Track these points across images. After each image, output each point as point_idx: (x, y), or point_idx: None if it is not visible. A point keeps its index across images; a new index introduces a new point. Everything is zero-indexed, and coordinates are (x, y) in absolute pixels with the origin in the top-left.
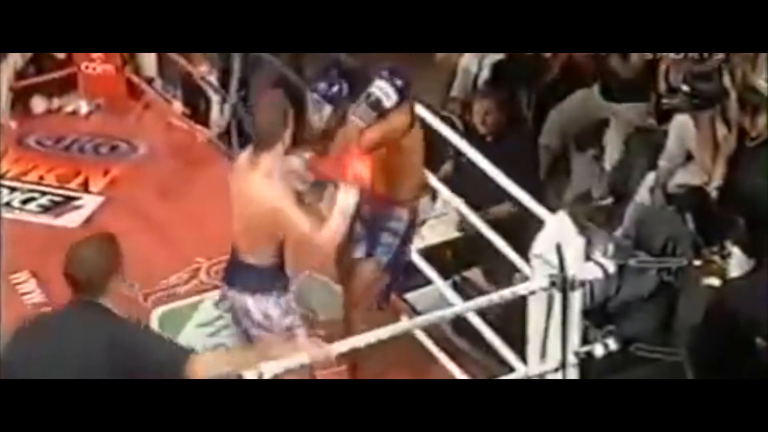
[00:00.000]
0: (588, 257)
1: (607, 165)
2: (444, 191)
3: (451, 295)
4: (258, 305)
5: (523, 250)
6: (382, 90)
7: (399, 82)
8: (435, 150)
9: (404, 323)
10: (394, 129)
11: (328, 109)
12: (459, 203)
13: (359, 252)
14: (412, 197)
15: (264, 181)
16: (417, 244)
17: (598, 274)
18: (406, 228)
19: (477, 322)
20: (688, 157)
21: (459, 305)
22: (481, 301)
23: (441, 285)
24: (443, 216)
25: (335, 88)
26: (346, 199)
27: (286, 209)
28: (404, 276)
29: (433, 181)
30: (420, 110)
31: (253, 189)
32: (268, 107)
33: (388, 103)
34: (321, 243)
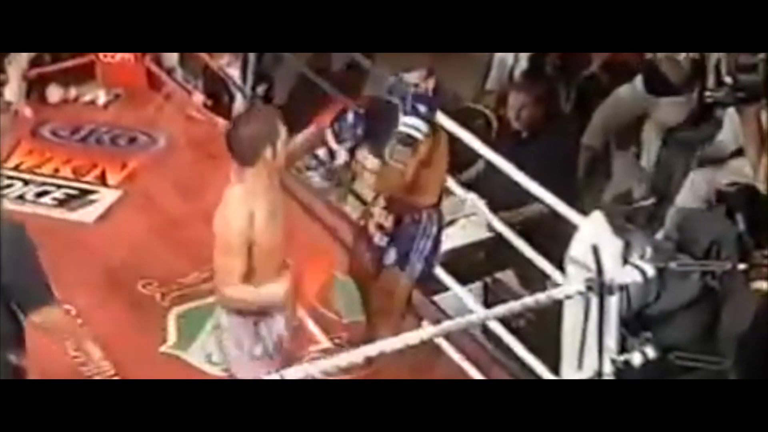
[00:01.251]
0: (626, 260)
1: (645, 163)
2: (466, 195)
3: (481, 298)
4: (232, 326)
5: (559, 252)
6: (410, 125)
7: (423, 109)
8: (465, 148)
9: (432, 328)
10: (426, 153)
11: (342, 153)
12: (482, 206)
13: (389, 259)
14: (435, 201)
15: (230, 200)
16: (446, 245)
17: (637, 278)
18: (438, 231)
19: (504, 328)
20: (737, 154)
21: (489, 309)
22: (513, 305)
23: (470, 288)
24: (474, 215)
25: (351, 129)
26: (274, 290)
27: (226, 238)
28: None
29: (454, 184)
30: (441, 118)
31: (224, 205)
32: (246, 121)
33: (420, 135)
34: (221, 292)
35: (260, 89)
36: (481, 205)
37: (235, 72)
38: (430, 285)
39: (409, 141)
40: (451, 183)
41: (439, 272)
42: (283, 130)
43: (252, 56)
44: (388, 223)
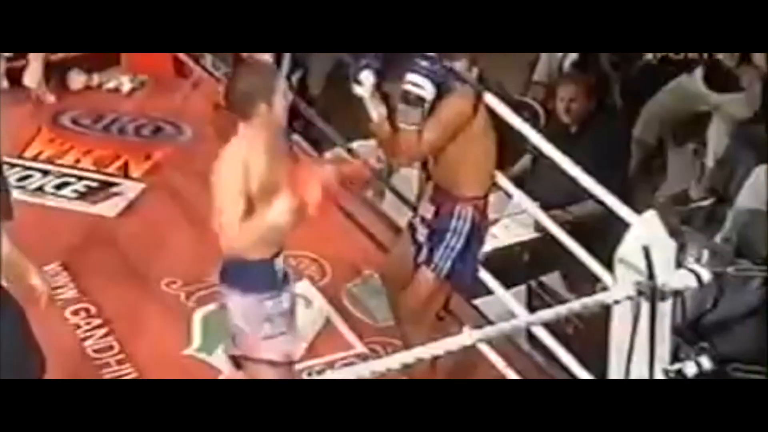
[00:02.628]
0: (680, 264)
1: (710, 161)
2: (513, 191)
3: (525, 302)
4: (237, 306)
5: (608, 254)
6: (413, 82)
7: (428, 65)
8: (511, 141)
9: (474, 333)
10: (453, 120)
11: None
12: (530, 204)
13: (421, 256)
14: (478, 193)
15: (226, 155)
16: (490, 244)
17: (692, 283)
18: (471, 228)
19: (548, 334)
20: None
21: (533, 314)
22: (559, 310)
23: (514, 291)
24: (519, 214)
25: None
26: (277, 210)
27: (222, 191)
28: (474, 283)
29: (502, 178)
30: (490, 99)
31: (220, 159)
32: (243, 74)
33: (425, 94)
34: (220, 235)
35: (295, 77)
36: (528, 202)
37: (268, 59)
38: (466, 288)
39: (414, 100)
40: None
41: (480, 274)
42: (280, 85)
43: None
44: (429, 214)
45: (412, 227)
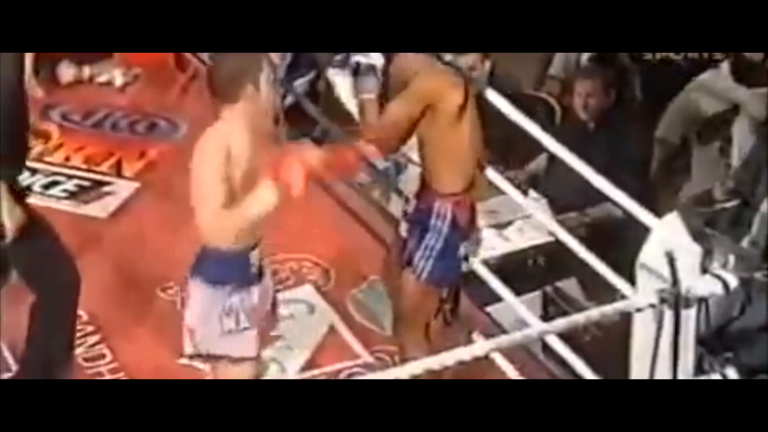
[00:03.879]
0: (705, 270)
1: (735, 160)
2: (517, 191)
3: (540, 309)
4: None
5: (629, 259)
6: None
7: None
8: (525, 139)
9: (486, 344)
10: (422, 92)
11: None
12: (543, 205)
13: (404, 256)
14: (456, 189)
15: (207, 139)
16: (502, 248)
17: (717, 289)
18: (451, 227)
19: (565, 343)
20: None
21: (549, 323)
22: (576, 318)
23: (528, 298)
24: (533, 217)
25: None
26: (261, 197)
27: (202, 178)
28: (468, 287)
29: (506, 180)
30: (496, 99)
31: (201, 142)
32: (227, 54)
33: (377, 62)
34: (199, 224)
35: (305, 80)
36: (541, 204)
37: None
38: (449, 286)
39: (364, 70)
40: (504, 179)
41: (493, 280)
42: (267, 67)
43: None
44: (410, 208)
45: (396, 222)
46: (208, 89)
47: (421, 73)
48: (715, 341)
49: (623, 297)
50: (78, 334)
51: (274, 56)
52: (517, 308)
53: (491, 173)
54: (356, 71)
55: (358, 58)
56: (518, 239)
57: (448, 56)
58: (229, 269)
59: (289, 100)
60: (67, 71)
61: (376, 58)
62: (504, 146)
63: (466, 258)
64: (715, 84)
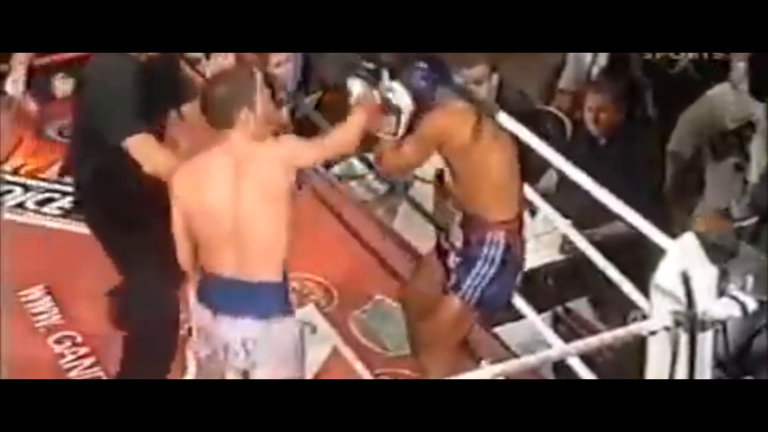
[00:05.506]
0: (722, 291)
1: (753, 177)
2: (543, 206)
3: (550, 331)
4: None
5: (642, 280)
6: (389, 88)
7: (413, 75)
8: (533, 155)
9: (494, 369)
10: (431, 135)
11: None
12: (561, 222)
13: (450, 283)
14: (508, 216)
15: (185, 172)
16: None
17: (736, 311)
18: (504, 254)
19: (579, 366)
20: None
21: (560, 345)
22: (589, 341)
23: (539, 318)
24: (543, 235)
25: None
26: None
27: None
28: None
29: (530, 194)
30: (503, 119)
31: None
32: (221, 78)
33: (400, 103)
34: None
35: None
36: (554, 221)
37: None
38: (491, 318)
39: (391, 109)
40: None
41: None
42: (263, 92)
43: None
44: (459, 242)
45: (441, 251)
46: (203, 115)
47: (428, 113)
48: (733, 365)
49: (635, 318)
50: (72, 357)
51: (278, 71)
52: (529, 329)
53: None
54: (384, 108)
55: (387, 94)
56: (528, 258)
57: (458, 79)
58: (235, 298)
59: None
60: (62, 85)
61: (405, 102)
62: None
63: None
64: (729, 96)
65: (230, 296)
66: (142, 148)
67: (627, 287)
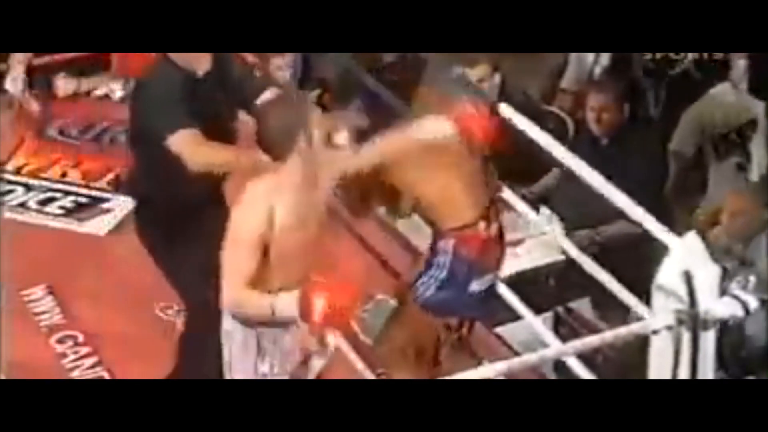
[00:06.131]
0: (724, 291)
1: (754, 176)
2: (527, 208)
3: (551, 331)
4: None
5: (645, 279)
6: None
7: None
8: (535, 154)
9: (497, 366)
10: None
11: None
12: (555, 223)
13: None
14: (456, 224)
15: (252, 193)
16: (513, 267)
17: (738, 311)
18: (452, 261)
19: (578, 365)
20: None
21: (561, 344)
22: (590, 340)
23: (539, 318)
24: (544, 235)
25: None
26: (286, 301)
27: (244, 235)
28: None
29: (517, 197)
30: (505, 109)
31: (244, 196)
32: (275, 109)
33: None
34: (225, 294)
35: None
36: (554, 222)
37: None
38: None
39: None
40: (513, 196)
41: (504, 299)
42: (317, 116)
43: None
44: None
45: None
46: (257, 144)
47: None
48: (735, 364)
49: (637, 318)
50: (74, 356)
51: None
52: (531, 329)
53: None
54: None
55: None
56: (529, 257)
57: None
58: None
59: None
60: (64, 84)
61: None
62: (515, 161)
63: (488, 292)
64: (730, 96)
65: None
66: (185, 144)
67: (617, 289)
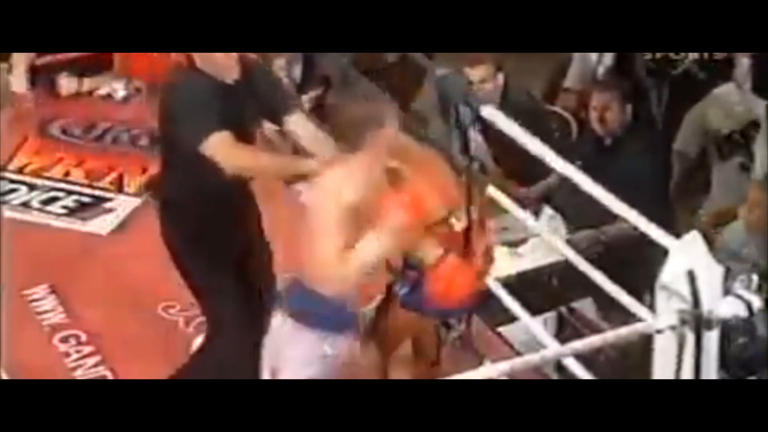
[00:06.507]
0: (728, 290)
1: (757, 176)
2: (527, 210)
3: (554, 331)
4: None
5: (648, 279)
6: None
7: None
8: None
9: (499, 366)
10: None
11: None
12: (558, 223)
13: None
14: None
15: (327, 183)
16: (516, 267)
17: (741, 311)
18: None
19: (581, 366)
20: None
21: (564, 344)
22: (593, 340)
23: (541, 318)
24: (546, 235)
25: None
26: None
27: (324, 218)
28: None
29: (514, 197)
30: (490, 112)
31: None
32: (349, 103)
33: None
34: (317, 267)
35: (313, 94)
36: (556, 221)
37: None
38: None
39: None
40: (517, 196)
41: (506, 299)
42: (391, 110)
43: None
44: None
45: None
46: (331, 131)
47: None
48: (737, 365)
49: (640, 318)
50: (77, 355)
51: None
52: (533, 329)
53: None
54: None
55: None
56: (532, 257)
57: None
58: (325, 312)
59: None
60: (66, 83)
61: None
62: (517, 161)
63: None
64: (734, 96)
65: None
66: (219, 147)
67: (616, 292)
